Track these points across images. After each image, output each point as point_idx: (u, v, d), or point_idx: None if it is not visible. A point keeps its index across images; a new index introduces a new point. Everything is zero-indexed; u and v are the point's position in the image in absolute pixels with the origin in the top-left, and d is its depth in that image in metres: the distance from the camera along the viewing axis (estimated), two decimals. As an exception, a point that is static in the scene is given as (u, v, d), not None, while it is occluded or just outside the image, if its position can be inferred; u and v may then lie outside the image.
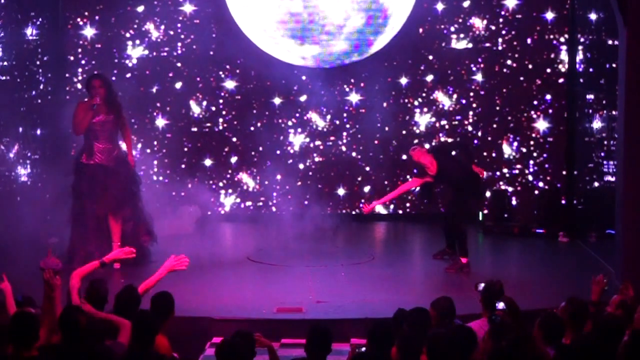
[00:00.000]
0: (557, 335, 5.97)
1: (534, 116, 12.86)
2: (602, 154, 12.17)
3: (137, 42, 12.81)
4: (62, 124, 11.98)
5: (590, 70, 12.37)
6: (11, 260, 9.71)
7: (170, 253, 10.28)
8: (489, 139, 12.97)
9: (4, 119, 11.26)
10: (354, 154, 13.14)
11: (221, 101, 13.00)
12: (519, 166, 12.93)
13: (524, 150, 12.91)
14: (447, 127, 13.02)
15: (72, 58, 12.74)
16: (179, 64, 12.84)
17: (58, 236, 10.71)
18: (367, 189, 13.16)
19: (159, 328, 6.30)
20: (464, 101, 12.99)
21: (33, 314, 6.10)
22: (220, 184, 13.08)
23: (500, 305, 6.23)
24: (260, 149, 13.01)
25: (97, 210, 10.05)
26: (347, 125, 13.10)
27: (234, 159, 13.04)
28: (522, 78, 12.84)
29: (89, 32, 12.74)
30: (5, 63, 11.38)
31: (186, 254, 10.38)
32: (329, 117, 13.10)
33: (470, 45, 12.89)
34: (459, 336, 5.89)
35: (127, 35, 12.78)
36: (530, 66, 12.81)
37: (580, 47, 12.55)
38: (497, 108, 12.93)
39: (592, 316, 6.56)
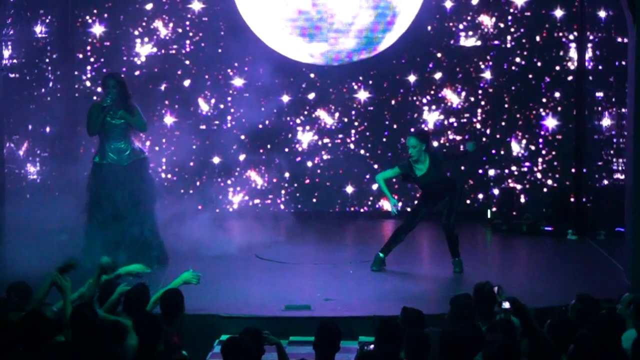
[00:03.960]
0: (567, 339, 5.98)
1: (543, 114, 12.85)
2: (612, 152, 12.15)
3: (146, 39, 12.82)
4: (71, 122, 12.03)
5: (600, 67, 12.35)
6: (25, 256, 9.75)
7: (183, 253, 10.44)
8: (498, 136, 12.97)
9: (14, 117, 11.29)
10: (362, 151, 13.14)
11: (229, 99, 13.00)
12: (527, 164, 12.92)
13: (533, 148, 12.90)
14: (455, 124, 13.01)
15: (81, 56, 12.76)
16: (187, 62, 12.86)
17: (67, 233, 10.76)
18: (375, 186, 13.15)
19: (167, 327, 6.34)
20: (472, 99, 12.98)
21: (44, 313, 6.14)
22: (229, 182, 13.08)
23: (506, 304, 6.23)
24: (269, 146, 13.03)
25: (105, 209, 10.06)
26: (356, 123, 13.10)
27: (242, 157, 13.05)
28: (530, 76, 12.83)
29: (97, 30, 12.76)
30: (15, 61, 11.41)
31: (195, 253, 10.52)
32: (337, 114, 13.10)
33: (479, 43, 12.89)
34: (469, 335, 5.90)
35: (136, 33, 12.80)
36: (539, 64, 12.80)
37: (589, 45, 12.52)
38: (506, 106, 12.93)
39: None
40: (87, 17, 12.75)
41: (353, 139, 13.14)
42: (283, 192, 13.13)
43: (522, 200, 12.82)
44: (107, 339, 6.13)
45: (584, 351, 5.58)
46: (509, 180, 12.94)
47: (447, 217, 10.14)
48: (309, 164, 13.15)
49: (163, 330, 6.17)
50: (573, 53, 12.70)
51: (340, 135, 13.12)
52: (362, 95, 13.05)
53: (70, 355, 5.64)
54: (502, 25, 12.83)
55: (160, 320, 6.24)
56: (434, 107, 13.00)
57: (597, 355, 5.62)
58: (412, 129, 12.07)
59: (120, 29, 12.75)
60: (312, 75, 13.00)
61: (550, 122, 12.83)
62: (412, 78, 12.95)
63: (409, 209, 11.27)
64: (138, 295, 6.89)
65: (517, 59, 12.85)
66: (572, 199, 12.63)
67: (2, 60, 10.40)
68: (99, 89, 11.61)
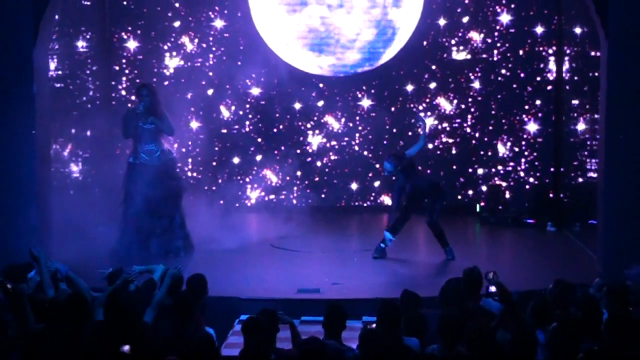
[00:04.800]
0: (547, 319, 5.99)
1: (525, 119, 12.84)
2: (586, 153, 12.15)
3: (174, 53, 12.85)
4: (109, 126, 12.06)
5: (575, 78, 12.34)
6: (67, 245, 9.81)
7: (207, 242, 10.47)
8: (486, 139, 12.96)
9: (59, 122, 11.33)
10: (365, 152, 13.15)
11: (247, 106, 13.02)
12: (512, 164, 12.92)
13: (517, 149, 12.89)
14: (448, 129, 13.01)
15: (117, 68, 12.79)
16: (210, 73, 12.87)
17: (105, 225, 10.79)
18: (377, 183, 13.17)
19: (196, 308, 6.36)
20: (463, 106, 12.98)
21: (85, 296, 6.17)
22: (247, 179, 13.11)
23: (492, 288, 6.24)
24: (282, 148, 13.04)
25: (138, 204, 10.09)
26: (360, 127, 13.11)
27: (259, 157, 13.08)
28: (514, 85, 12.82)
29: (132, 44, 12.79)
30: (60, 72, 11.46)
31: (216, 242, 10.54)
32: (343, 120, 13.11)
33: (469, 56, 12.87)
34: (465, 316, 5.92)
35: (165, 47, 12.83)
36: (522, 75, 12.78)
37: (566, 58, 12.51)
38: (493, 112, 12.91)
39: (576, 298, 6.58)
40: (123, 34, 12.79)
41: (357, 141, 13.15)
42: (295, 188, 13.14)
43: (507, 196, 12.81)
44: (136, 318, 6.14)
45: (568, 328, 5.59)
46: (496, 178, 12.93)
47: (430, 216, 10.18)
48: (318, 163, 13.16)
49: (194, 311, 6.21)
50: (552, 65, 12.68)
51: (346, 138, 13.13)
52: (365, 102, 13.06)
53: (106, 334, 5.68)
54: (489, 40, 12.82)
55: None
56: (429, 113, 12.99)
57: (579, 331, 5.65)
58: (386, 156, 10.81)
59: (151, 44, 12.78)
60: (320, 85, 13.02)
61: (532, 127, 12.82)
62: (409, 87, 12.95)
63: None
64: (174, 281, 6.89)
65: (503, 71, 12.84)
66: (551, 195, 12.61)
67: (49, 72, 10.45)
68: (133, 97, 11.67)
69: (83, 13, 12.06)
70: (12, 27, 9.19)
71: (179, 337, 5.81)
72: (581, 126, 12.23)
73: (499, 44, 12.82)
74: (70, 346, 5.55)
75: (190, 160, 12.98)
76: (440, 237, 10.17)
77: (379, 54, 12.77)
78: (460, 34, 12.83)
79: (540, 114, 12.79)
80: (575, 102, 12.35)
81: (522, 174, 12.92)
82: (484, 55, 12.84)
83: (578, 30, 12.17)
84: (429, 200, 10.15)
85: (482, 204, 12.76)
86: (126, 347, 5.20)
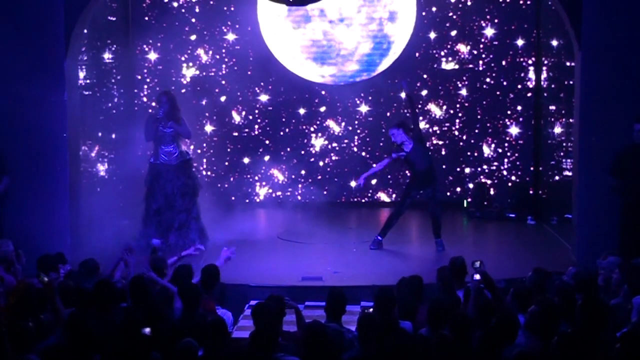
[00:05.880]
0: (527, 304, 6.02)
1: (508, 123, 12.84)
2: (562, 154, 12.15)
3: (190, 64, 12.87)
4: (132, 130, 12.08)
5: (553, 86, 12.35)
6: (95, 237, 9.83)
7: (220, 235, 10.48)
8: (472, 141, 12.96)
9: (88, 126, 11.36)
10: (363, 153, 13.17)
11: (257, 111, 13.04)
12: (496, 163, 12.92)
13: (500, 150, 12.90)
14: (438, 132, 13.02)
15: (139, 77, 12.81)
16: (223, 82, 12.89)
17: (128, 219, 10.81)
18: (374, 181, 13.19)
19: (211, 295, 6.39)
20: (451, 111, 12.98)
21: (112, 283, 6.20)
22: (256, 178, 13.13)
23: (477, 276, 6.26)
24: (288, 149, 13.05)
25: (159, 200, 10.10)
26: (358, 131, 13.12)
27: (267, 158, 13.09)
28: (498, 92, 12.82)
29: (152, 56, 12.82)
30: (88, 81, 11.47)
31: (229, 235, 10.56)
32: (343, 124, 13.12)
33: (456, 66, 12.88)
34: (450, 302, 5.94)
35: (182, 58, 12.84)
36: (504, 83, 12.78)
37: (544, 68, 12.52)
38: (478, 117, 12.92)
39: (553, 284, 6.60)
40: (144, 46, 12.81)
41: (356, 143, 13.16)
42: (300, 186, 13.16)
43: (492, 192, 12.82)
44: (159, 303, 6.18)
45: (546, 312, 5.62)
46: (481, 177, 12.94)
47: (434, 207, 10.20)
48: (321, 163, 13.18)
49: (202, 296, 6.23)
50: (531, 74, 12.68)
51: (346, 141, 13.14)
52: (363, 108, 13.07)
53: (131, 317, 5.71)
54: (475, 52, 12.83)
55: (200, 289, 6.30)
56: (421, 118, 12.98)
57: (556, 314, 5.68)
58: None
59: (170, 56, 12.79)
60: (323, 93, 13.03)
61: (514, 130, 12.83)
62: (403, 95, 12.90)
63: (399, 199, 11.26)
64: (184, 271, 6.94)
65: (487, 79, 12.85)
66: (531, 192, 12.63)
67: (78, 80, 10.49)
68: (154, 104, 11.69)
69: (109, 28, 12.08)
70: (46, 41, 9.27)
71: (187, 321, 5.85)
72: (558, 129, 12.24)
73: (483, 55, 12.82)
74: (102, 328, 5.59)
75: (205, 160, 13.00)
76: (437, 227, 10.17)
77: (376, 64, 12.78)
78: (449, 46, 12.84)
79: (521, 119, 12.79)
80: (552, 107, 12.35)
81: (505, 172, 12.93)
82: (470, 65, 12.84)
83: (555, 42, 12.18)
84: (430, 190, 10.15)
85: (469, 200, 12.76)
86: (147, 330, 5.23)
